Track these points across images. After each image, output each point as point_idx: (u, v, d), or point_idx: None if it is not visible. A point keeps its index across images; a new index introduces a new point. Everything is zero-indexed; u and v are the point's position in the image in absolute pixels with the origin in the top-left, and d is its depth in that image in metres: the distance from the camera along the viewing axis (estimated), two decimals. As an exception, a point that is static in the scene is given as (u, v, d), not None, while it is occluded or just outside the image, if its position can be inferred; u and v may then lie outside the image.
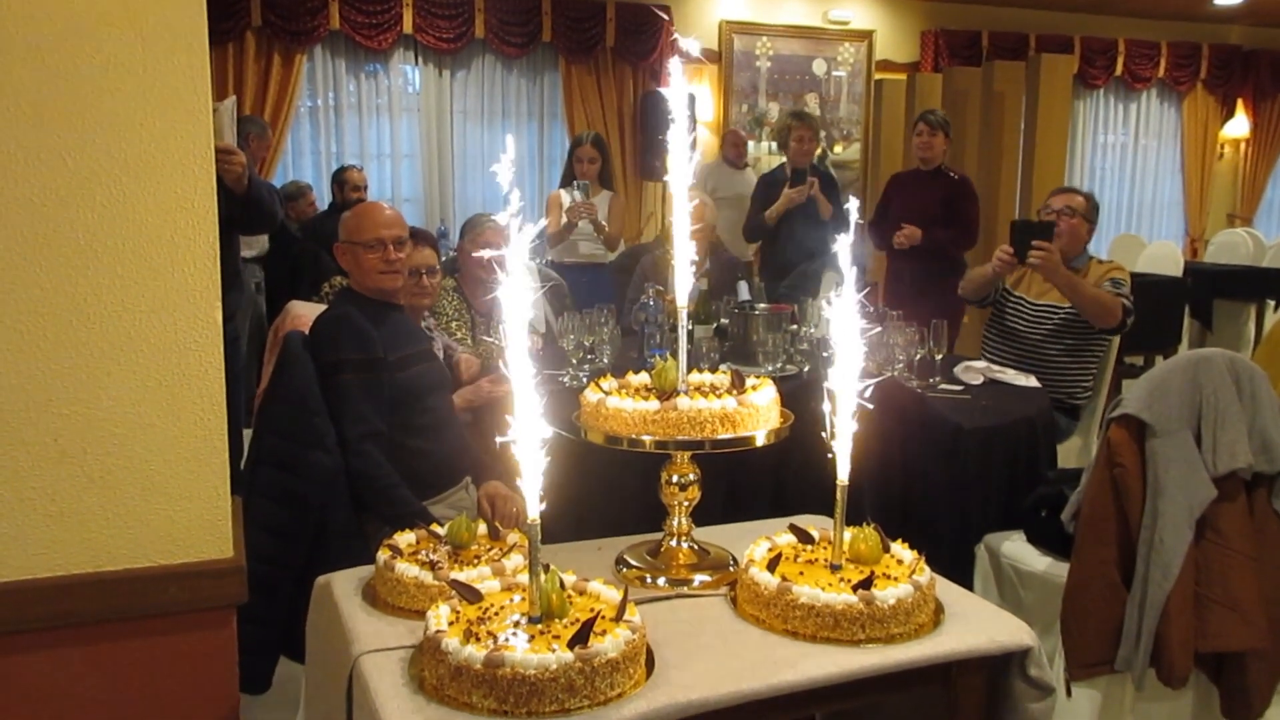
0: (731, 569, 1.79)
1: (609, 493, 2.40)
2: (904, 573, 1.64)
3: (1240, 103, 9.54)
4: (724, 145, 7.06)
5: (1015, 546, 2.70)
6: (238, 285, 3.51)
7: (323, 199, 6.66)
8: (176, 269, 1.60)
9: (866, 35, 8.23)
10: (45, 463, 1.56)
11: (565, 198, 4.94)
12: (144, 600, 1.63)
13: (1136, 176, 9.51)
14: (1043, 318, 3.66)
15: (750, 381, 1.80)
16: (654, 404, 1.68)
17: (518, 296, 1.34)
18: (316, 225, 5.99)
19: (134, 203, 1.56)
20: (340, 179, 6.19)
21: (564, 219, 4.89)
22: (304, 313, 3.00)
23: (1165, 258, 7.36)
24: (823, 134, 7.89)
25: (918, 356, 3.26)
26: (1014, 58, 8.00)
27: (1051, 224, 3.39)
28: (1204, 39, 9.22)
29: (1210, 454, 2.14)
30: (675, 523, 1.83)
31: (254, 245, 5.45)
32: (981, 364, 3.43)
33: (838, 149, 8.31)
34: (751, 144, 7.98)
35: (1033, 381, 3.36)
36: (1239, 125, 9.57)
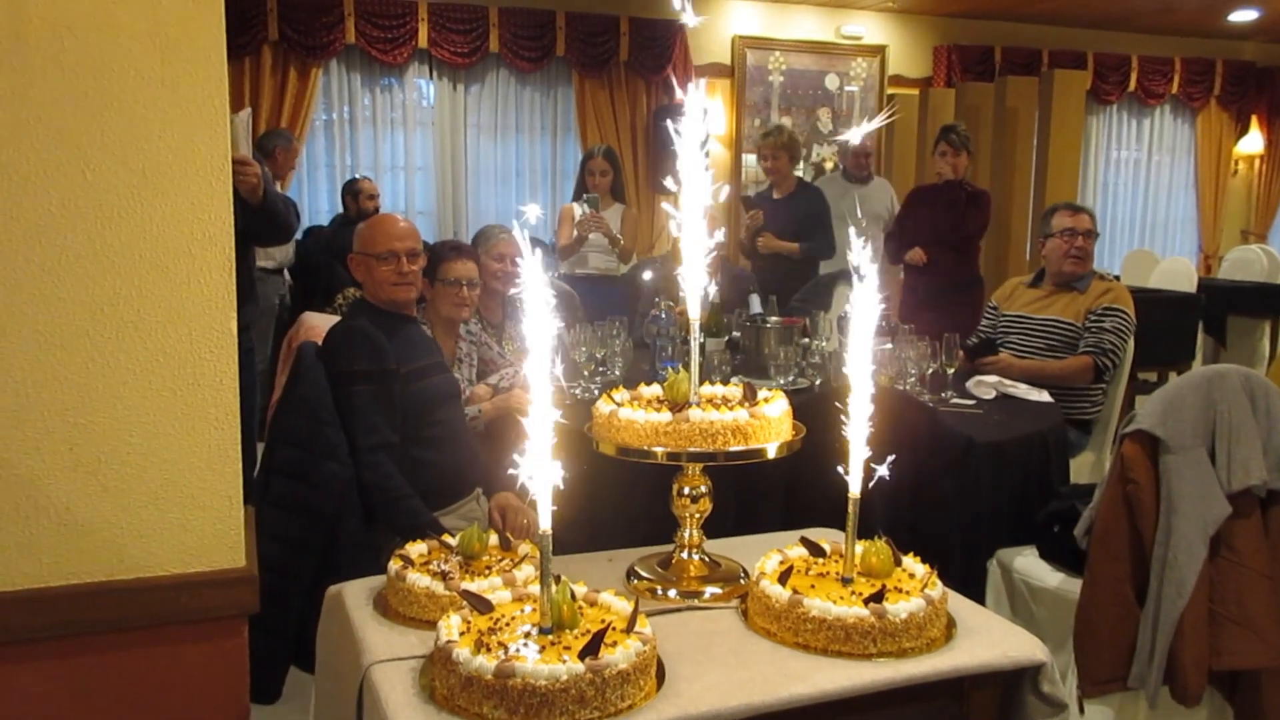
0: (742, 581, 1.79)
1: (620, 504, 2.40)
2: (916, 587, 1.64)
3: (1255, 119, 9.52)
4: (841, 157, 6.51)
5: (1027, 562, 2.69)
6: (253, 298, 3.53)
7: (334, 210, 6.70)
8: (192, 279, 1.61)
9: (879, 50, 8.24)
10: (60, 471, 1.57)
11: (577, 210, 4.96)
12: (156, 609, 1.64)
13: (1150, 192, 9.48)
14: (1047, 334, 3.67)
15: (762, 394, 1.80)
16: (666, 415, 1.68)
17: (541, 315, 1.35)
18: (330, 237, 6.03)
19: (151, 213, 1.57)
20: (353, 189, 6.24)
21: (575, 232, 4.91)
22: (317, 324, 3.02)
23: (1178, 274, 7.33)
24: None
25: (930, 370, 3.26)
26: (1027, 73, 8.00)
27: (992, 340, 3.73)
28: (1218, 55, 9.21)
29: (1225, 470, 2.13)
30: (686, 535, 1.83)
31: (276, 256, 5.49)
32: (994, 378, 3.43)
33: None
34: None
35: (1045, 396, 3.35)
36: (1253, 141, 9.55)
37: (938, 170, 5.08)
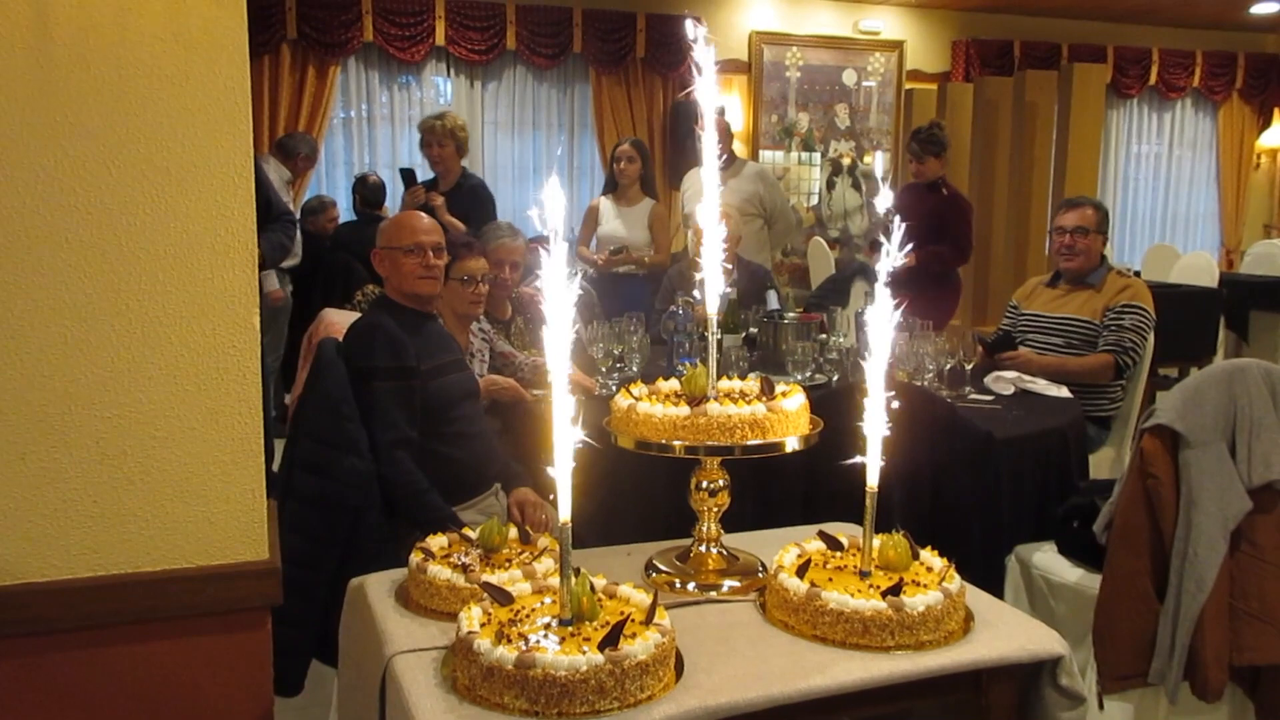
0: (760, 575, 1.79)
1: (639, 498, 2.41)
2: (933, 580, 1.64)
3: (1277, 112, 9.43)
4: None
5: (1046, 558, 2.68)
6: (264, 302, 3.59)
7: (347, 210, 6.71)
8: (216, 275, 1.63)
9: (897, 45, 8.21)
10: (87, 465, 1.59)
11: (603, 205, 4.96)
12: (181, 600, 1.66)
13: (1170, 187, 9.41)
14: (1066, 331, 3.65)
15: (780, 388, 1.80)
16: (684, 409, 1.69)
17: (559, 308, 1.36)
18: (347, 234, 6.05)
19: (176, 210, 1.59)
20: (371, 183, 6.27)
21: (594, 241, 4.89)
22: (338, 320, 3.04)
23: (1199, 269, 7.26)
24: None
25: (948, 366, 3.25)
26: (1046, 67, 7.96)
27: (1011, 335, 3.72)
28: (1240, 48, 9.13)
29: (1245, 465, 2.11)
30: (705, 528, 1.84)
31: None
32: (1013, 374, 3.42)
33: (867, 159, 8.29)
34: (780, 154, 7.99)
35: (1064, 392, 3.34)
36: (1276, 135, 9.46)
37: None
